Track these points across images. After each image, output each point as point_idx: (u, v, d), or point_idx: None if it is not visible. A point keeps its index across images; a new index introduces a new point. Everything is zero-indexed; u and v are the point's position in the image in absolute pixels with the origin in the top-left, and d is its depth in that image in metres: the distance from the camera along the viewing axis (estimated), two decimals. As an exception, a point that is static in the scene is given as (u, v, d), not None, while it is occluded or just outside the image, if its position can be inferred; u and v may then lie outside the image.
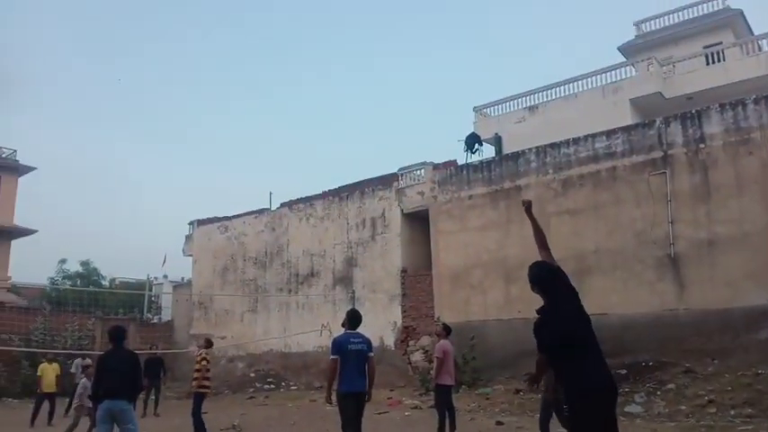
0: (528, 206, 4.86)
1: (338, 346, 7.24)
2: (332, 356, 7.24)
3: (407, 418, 13.49)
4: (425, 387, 16.13)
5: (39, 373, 15.01)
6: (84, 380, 11.68)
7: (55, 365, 15.30)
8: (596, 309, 14.87)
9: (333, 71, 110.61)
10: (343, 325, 7.55)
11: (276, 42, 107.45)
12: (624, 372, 13.52)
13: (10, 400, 20.70)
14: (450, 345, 11.13)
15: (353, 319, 7.59)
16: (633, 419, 11.25)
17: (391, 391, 17.18)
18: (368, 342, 7.45)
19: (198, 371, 10.98)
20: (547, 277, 4.36)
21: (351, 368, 7.12)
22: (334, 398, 7.23)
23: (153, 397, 15.78)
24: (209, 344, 11.84)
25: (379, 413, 14.44)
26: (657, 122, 15.65)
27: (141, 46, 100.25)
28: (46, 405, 14.63)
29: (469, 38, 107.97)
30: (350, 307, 18.86)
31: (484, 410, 13.65)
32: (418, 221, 19.94)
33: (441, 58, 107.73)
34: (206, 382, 11.01)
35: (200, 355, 11.27)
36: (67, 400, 15.19)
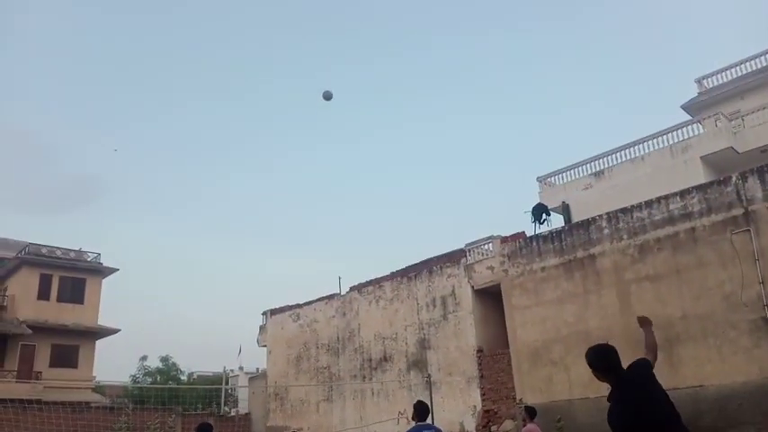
0: (645, 322, 4.42)
1: None
2: None
3: None
4: (513, 475, 15.21)
5: None
6: None
7: None
8: (691, 381, 13.96)
9: (390, 150, 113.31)
10: (412, 418, 7.44)
11: (339, 128, 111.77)
12: (732, 450, 12.36)
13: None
14: (538, 428, 10.55)
15: (422, 410, 7.55)
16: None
17: (476, 480, 16.29)
18: None
19: None
20: (603, 358, 3.96)
21: None
22: None
23: None
24: None
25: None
26: (734, 178, 14.98)
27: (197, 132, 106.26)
28: None
29: (524, 107, 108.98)
30: (426, 392, 18.37)
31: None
32: (490, 297, 19.46)
33: (496, 132, 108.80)
34: None
35: None
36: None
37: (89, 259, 33.27)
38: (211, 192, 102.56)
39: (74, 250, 33.29)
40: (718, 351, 13.97)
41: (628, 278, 15.86)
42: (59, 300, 31.17)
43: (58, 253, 32.40)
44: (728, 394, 13.41)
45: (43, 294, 30.81)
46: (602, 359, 3.94)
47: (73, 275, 31.82)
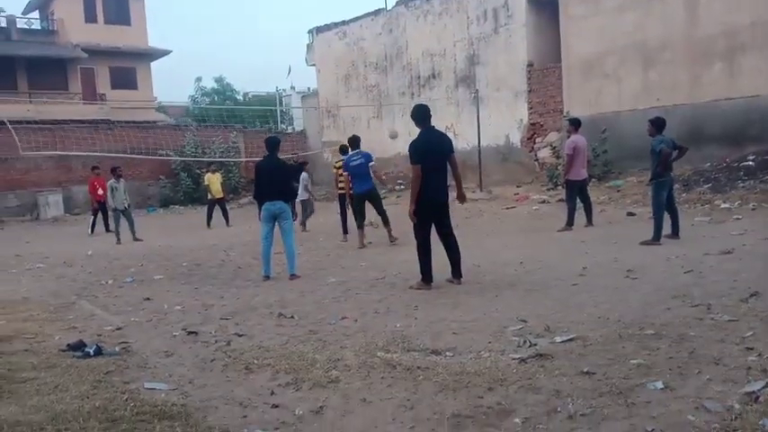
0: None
1: None
2: None
3: (535, 213, 13.75)
4: (553, 182, 16.12)
5: (206, 182, 16.78)
6: None
7: (218, 175, 17.05)
8: (747, 90, 13.64)
9: None
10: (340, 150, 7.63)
11: None
12: (775, 158, 12.59)
13: (176, 207, 23.56)
14: (582, 138, 10.85)
15: (353, 142, 9.88)
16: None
17: (518, 187, 17.39)
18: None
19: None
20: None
21: None
22: None
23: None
24: (342, 150, 12.61)
25: (507, 208, 14.84)
26: None
27: None
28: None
29: None
30: (473, 108, 18.62)
31: (615, 202, 13.54)
32: (546, 8, 18.37)
33: None
34: (341, 184, 12.10)
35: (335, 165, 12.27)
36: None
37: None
38: None
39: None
40: (782, 60, 13.31)
41: (699, -19, 14.54)
42: (107, 22, 31.21)
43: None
44: (785, 104, 13.16)
45: (90, 17, 30.80)
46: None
47: (116, -5, 31.38)
